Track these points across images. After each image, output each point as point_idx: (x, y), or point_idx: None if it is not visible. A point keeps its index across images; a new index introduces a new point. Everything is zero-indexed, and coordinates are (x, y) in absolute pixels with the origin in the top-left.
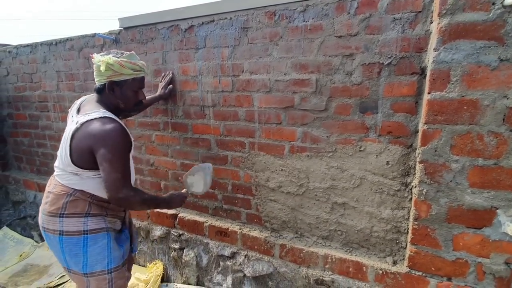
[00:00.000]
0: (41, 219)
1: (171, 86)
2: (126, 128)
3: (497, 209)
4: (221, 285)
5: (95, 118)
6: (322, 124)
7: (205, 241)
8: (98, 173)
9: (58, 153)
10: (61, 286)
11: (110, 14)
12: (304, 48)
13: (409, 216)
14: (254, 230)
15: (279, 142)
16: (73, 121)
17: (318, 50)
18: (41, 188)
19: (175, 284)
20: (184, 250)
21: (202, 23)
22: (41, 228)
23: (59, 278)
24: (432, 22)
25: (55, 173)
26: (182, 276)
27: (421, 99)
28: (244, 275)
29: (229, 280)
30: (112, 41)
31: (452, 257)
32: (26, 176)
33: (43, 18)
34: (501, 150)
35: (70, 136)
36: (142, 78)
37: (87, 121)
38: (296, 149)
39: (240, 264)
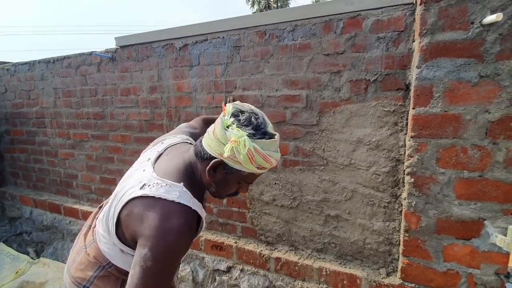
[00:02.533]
0: (65, 276)
1: None
2: (201, 213)
3: (484, 220)
4: None
5: (165, 199)
6: (314, 138)
7: (201, 255)
8: None
9: (109, 204)
10: None
11: (108, 28)
12: (294, 66)
13: (400, 228)
14: (250, 243)
15: None
16: (144, 171)
17: (307, 67)
18: (38, 204)
19: None
20: (180, 265)
21: (196, 41)
22: (64, 286)
23: None
24: (414, 41)
25: (98, 225)
26: None
27: (407, 114)
28: None
29: None
30: (108, 59)
31: (443, 268)
32: (22, 192)
33: (42, 32)
34: (485, 163)
35: (125, 200)
36: (260, 175)
37: (153, 196)
38: (289, 163)
39: (236, 278)
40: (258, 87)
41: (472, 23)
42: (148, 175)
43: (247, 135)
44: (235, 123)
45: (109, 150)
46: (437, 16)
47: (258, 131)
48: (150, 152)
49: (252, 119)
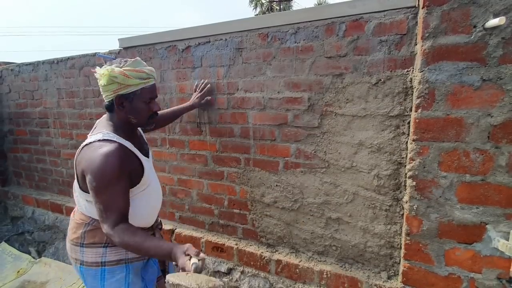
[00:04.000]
0: (67, 246)
1: (209, 97)
2: (133, 151)
3: (486, 224)
4: None
5: (94, 141)
6: (315, 140)
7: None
8: None
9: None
10: None
11: (111, 30)
12: (296, 68)
13: (401, 232)
14: (250, 245)
15: (273, 158)
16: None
17: (309, 69)
18: (40, 204)
19: None
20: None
21: (199, 43)
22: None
23: None
24: (416, 44)
25: (74, 197)
26: None
27: (409, 117)
28: None
29: None
30: (112, 60)
31: (444, 272)
32: (25, 192)
33: (47, 32)
34: (487, 167)
35: (75, 160)
36: (153, 86)
37: (86, 144)
38: (290, 165)
39: (236, 280)
40: (260, 89)
41: (475, 26)
42: (86, 141)
43: (114, 66)
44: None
45: None
46: (439, 19)
47: (121, 63)
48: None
49: (115, 62)
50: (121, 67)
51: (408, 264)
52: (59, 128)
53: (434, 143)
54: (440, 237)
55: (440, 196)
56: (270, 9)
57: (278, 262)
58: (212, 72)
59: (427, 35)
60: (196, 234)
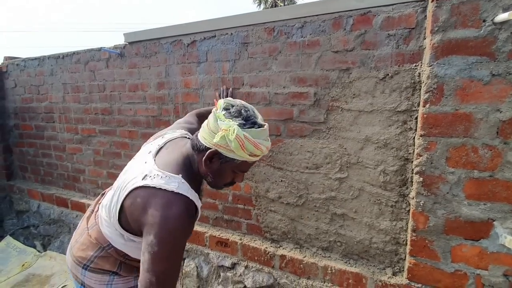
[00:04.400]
0: (67, 256)
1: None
2: (198, 204)
3: (493, 221)
4: None
5: (164, 189)
6: (321, 136)
7: (206, 251)
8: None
9: (111, 192)
10: None
11: (116, 26)
12: (302, 63)
13: (407, 228)
14: (255, 240)
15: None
16: (145, 163)
17: (315, 64)
18: (45, 198)
19: None
20: (185, 260)
21: (204, 38)
22: (67, 265)
23: None
24: (425, 38)
25: (101, 210)
26: (182, 286)
27: (416, 112)
28: (245, 287)
29: None
30: (117, 55)
31: (451, 269)
32: (30, 186)
33: (53, 29)
34: (495, 163)
35: (129, 189)
36: (253, 163)
37: (152, 186)
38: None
39: (240, 275)
40: (265, 84)
41: (484, 21)
42: (149, 167)
43: (237, 124)
44: (226, 115)
45: (116, 145)
46: (449, 13)
47: (248, 121)
48: (151, 145)
49: (242, 111)
50: (244, 129)
51: (414, 261)
52: (65, 122)
53: (442, 138)
54: (446, 233)
55: (448, 192)
56: (274, 6)
57: (282, 257)
58: (217, 67)
59: (436, 29)
60: (200, 229)
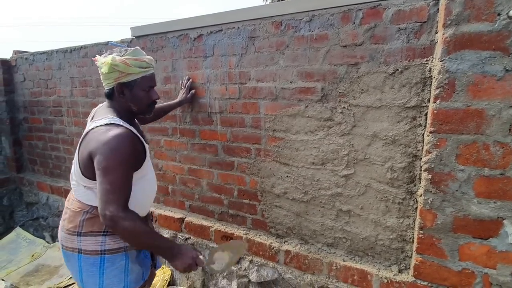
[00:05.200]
0: (60, 236)
1: (193, 91)
2: (138, 135)
3: (503, 219)
4: None
5: (100, 125)
6: (327, 131)
7: (211, 245)
8: None
9: (72, 165)
10: (70, 287)
11: (124, 21)
12: (309, 57)
13: (414, 225)
14: (260, 235)
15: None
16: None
17: (323, 59)
18: (54, 190)
19: None
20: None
21: (211, 32)
22: (60, 246)
23: (69, 279)
24: (437, 32)
25: (71, 185)
26: (188, 280)
27: (426, 108)
28: (249, 281)
29: (234, 285)
30: (113, 49)
31: (458, 267)
32: (39, 178)
33: (61, 24)
34: (507, 160)
35: (78, 145)
36: (152, 75)
37: (92, 128)
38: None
39: (245, 269)
40: (272, 79)
41: (499, 14)
42: (88, 126)
43: (115, 54)
44: (103, 56)
45: None
46: (462, 6)
47: (121, 52)
48: (88, 122)
49: (116, 51)
50: (122, 56)
51: (421, 258)
52: (73, 116)
53: (452, 135)
54: (454, 231)
55: (457, 190)
56: None
57: (287, 252)
58: (224, 61)
59: (449, 22)
60: (206, 223)
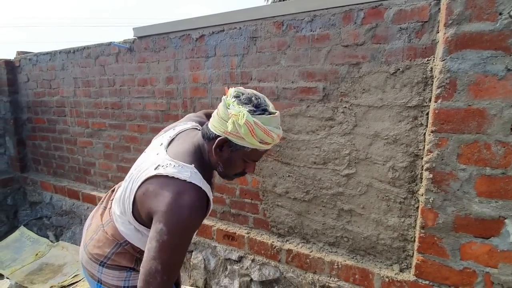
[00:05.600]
0: (81, 254)
1: None
2: (210, 195)
3: (505, 219)
4: None
5: (177, 178)
6: (329, 131)
7: (213, 244)
8: None
9: (124, 185)
10: (74, 285)
11: (125, 21)
12: (311, 57)
13: (416, 224)
14: (261, 234)
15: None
16: (157, 154)
17: (325, 59)
18: (57, 190)
19: (184, 286)
20: (193, 253)
21: (213, 32)
22: (81, 261)
23: (73, 277)
24: (438, 32)
25: (114, 206)
26: (190, 278)
27: (428, 108)
28: (251, 280)
29: (236, 284)
30: (126, 49)
31: (459, 266)
32: (43, 178)
33: (63, 25)
34: (509, 160)
35: (141, 179)
36: (265, 151)
37: (165, 175)
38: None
39: (247, 268)
40: (274, 79)
41: (501, 14)
42: (161, 157)
43: (247, 110)
44: (236, 102)
45: (126, 139)
46: (464, 6)
47: (258, 108)
48: (162, 138)
49: (253, 98)
50: (253, 115)
51: (422, 257)
52: (76, 116)
53: (454, 134)
54: (456, 231)
55: (458, 189)
56: (282, 0)
57: (289, 251)
58: (225, 62)
59: (450, 22)
60: (208, 222)
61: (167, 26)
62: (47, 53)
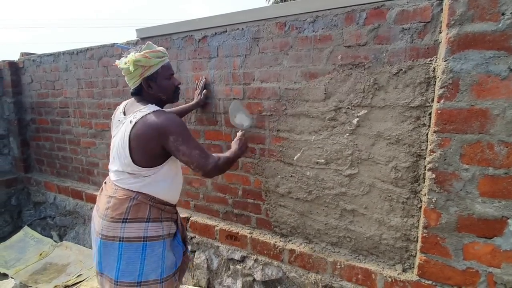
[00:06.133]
0: (99, 225)
1: (205, 91)
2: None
3: (508, 219)
4: None
5: (149, 113)
6: (331, 131)
7: (216, 244)
8: (158, 170)
9: (113, 156)
10: (78, 285)
11: (129, 22)
12: (313, 58)
13: (418, 224)
14: (264, 235)
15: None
16: (124, 123)
17: (327, 59)
18: (61, 190)
19: (187, 286)
20: (196, 253)
21: (215, 33)
22: (97, 236)
23: (76, 277)
24: (441, 32)
25: (112, 178)
26: (193, 278)
27: (430, 108)
28: (254, 280)
29: (239, 283)
30: (127, 50)
31: (462, 266)
32: (46, 178)
33: (66, 26)
34: (511, 160)
35: (127, 136)
36: (169, 63)
37: (142, 117)
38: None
39: (249, 268)
40: (276, 80)
41: (503, 14)
42: (129, 119)
43: (132, 53)
44: (122, 58)
45: None
46: (466, 6)
47: (137, 50)
48: (115, 122)
49: (132, 51)
50: (140, 52)
51: (425, 257)
52: (79, 117)
53: (457, 135)
54: (459, 230)
55: (461, 189)
56: (285, 0)
57: (291, 251)
58: (228, 62)
59: (452, 22)
60: (210, 222)
61: (170, 27)
62: (50, 54)
